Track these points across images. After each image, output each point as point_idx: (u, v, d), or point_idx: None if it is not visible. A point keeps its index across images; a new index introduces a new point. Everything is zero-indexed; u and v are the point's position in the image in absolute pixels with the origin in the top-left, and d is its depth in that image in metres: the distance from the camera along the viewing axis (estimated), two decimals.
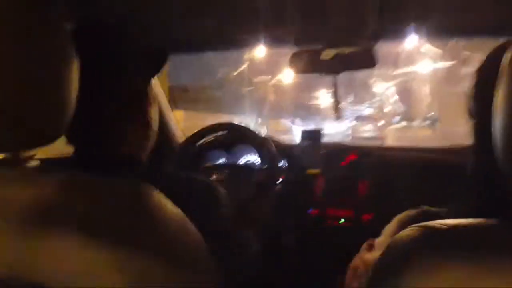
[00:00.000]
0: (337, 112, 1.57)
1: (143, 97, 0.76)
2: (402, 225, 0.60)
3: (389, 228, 0.73)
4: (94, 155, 0.71)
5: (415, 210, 0.68)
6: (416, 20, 1.09)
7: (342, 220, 1.64)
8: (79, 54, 0.53)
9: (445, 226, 0.43)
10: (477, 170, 0.63)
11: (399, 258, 0.45)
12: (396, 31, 1.20)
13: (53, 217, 0.46)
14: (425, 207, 0.67)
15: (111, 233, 0.47)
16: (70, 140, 0.71)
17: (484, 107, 0.59)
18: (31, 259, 0.45)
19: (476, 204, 0.59)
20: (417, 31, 1.16)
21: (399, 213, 0.75)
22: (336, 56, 1.24)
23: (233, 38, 1.23)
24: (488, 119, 0.44)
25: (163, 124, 1.79)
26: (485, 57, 0.63)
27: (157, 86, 1.72)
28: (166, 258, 0.51)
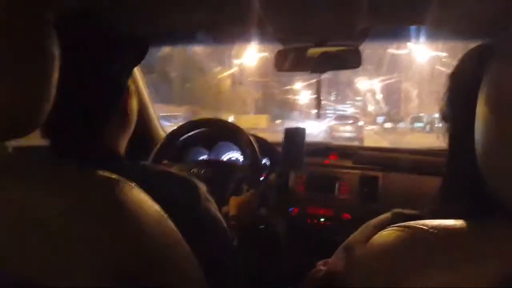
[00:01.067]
0: (319, 111, 1.57)
1: (123, 88, 0.75)
2: (377, 229, 0.60)
3: (363, 231, 0.74)
4: (71, 146, 0.69)
5: (388, 214, 0.69)
6: (404, 22, 1.10)
7: (322, 219, 1.65)
8: (60, 44, 0.52)
9: (423, 226, 0.43)
10: (451, 172, 0.64)
11: (380, 258, 0.45)
12: (383, 32, 1.21)
13: (30, 211, 0.45)
14: (397, 210, 0.67)
15: (88, 227, 0.47)
16: (45, 131, 0.69)
17: (458, 110, 0.60)
18: (15, 255, 0.44)
19: (451, 206, 0.60)
20: (404, 32, 1.18)
21: (378, 214, 0.75)
22: (321, 54, 1.25)
23: (218, 33, 1.22)
24: (462, 123, 0.45)
25: (145, 118, 1.77)
26: (458, 61, 0.64)
27: (140, 79, 1.69)
28: (142, 254, 0.50)
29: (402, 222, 0.47)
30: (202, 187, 0.80)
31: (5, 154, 0.52)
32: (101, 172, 0.53)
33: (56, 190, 0.48)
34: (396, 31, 1.19)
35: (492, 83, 0.40)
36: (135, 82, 1.62)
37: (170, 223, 0.59)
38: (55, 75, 0.51)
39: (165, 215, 0.59)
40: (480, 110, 0.41)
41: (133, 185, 0.54)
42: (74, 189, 0.49)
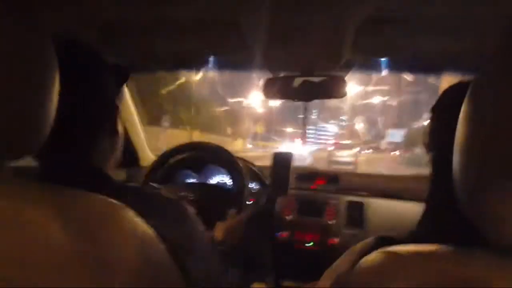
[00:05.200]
0: (304, 138, 1.60)
1: (111, 108, 0.78)
2: (361, 254, 0.62)
3: (348, 256, 0.75)
4: (61, 167, 0.70)
5: (372, 239, 0.70)
6: (388, 55, 1.15)
7: (309, 243, 1.66)
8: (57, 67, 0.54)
9: (407, 251, 0.45)
10: (433, 198, 0.66)
11: (365, 283, 0.46)
12: (367, 64, 1.25)
13: (18, 229, 0.46)
14: (381, 235, 0.69)
15: (79, 249, 0.47)
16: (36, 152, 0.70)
17: (440, 141, 0.63)
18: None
19: (434, 230, 0.62)
20: (389, 64, 1.22)
21: (364, 238, 0.77)
22: (307, 84, 1.28)
23: (207, 61, 1.25)
24: (444, 152, 0.47)
25: (133, 140, 1.77)
26: (439, 96, 0.68)
27: (129, 102, 1.71)
28: (133, 276, 0.50)
29: (386, 246, 0.49)
30: (191, 210, 0.81)
31: (1, 174, 0.53)
32: (92, 194, 0.54)
33: (47, 211, 0.48)
34: (380, 62, 1.24)
35: (467, 118, 0.42)
36: (124, 104, 1.64)
37: (161, 245, 0.60)
38: (54, 100, 0.53)
39: (156, 237, 0.59)
40: (457, 141, 0.44)
41: (124, 206, 0.55)
42: (65, 210, 0.49)
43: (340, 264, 0.77)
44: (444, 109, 0.64)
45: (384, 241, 0.66)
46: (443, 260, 0.43)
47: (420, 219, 0.68)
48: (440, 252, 0.45)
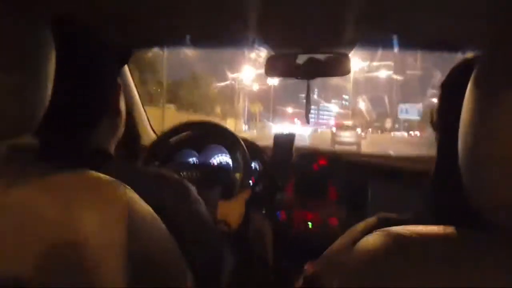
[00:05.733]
0: (308, 116, 1.59)
1: (111, 88, 0.76)
2: (362, 233, 0.62)
3: (349, 235, 0.75)
4: (63, 147, 0.69)
5: (374, 218, 0.70)
6: (394, 31, 1.12)
7: (310, 223, 1.66)
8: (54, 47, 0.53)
9: (408, 232, 0.45)
10: (439, 180, 0.65)
11: (364, 262, 0.46)
12: (371, 40, 1.23)
13: (24, 211, 0.46)
14: (383, 214, 0.69)
15: (81, 228, 0.47)
16: (37, 131, 0.70)
17: (448, 120, 0.61)
18: (10, 256, 0.45)
19: (436, 212, 0.61)
20: (393, 41, 1.19)
21: (365, 218, 0.76)
22: (310, 61, 1.26)
23: (210, 38, 1.23)
24: (452, 132, 0.46)
25: (135, 120, 1.77)
26: (448, 73, 0.66)
27: (130, 80, 1.69)
28: (134, 254, 0.51)
29: (387, 226, 0.49)
30: (193, 190, 0.80)
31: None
32: (93, 173, 0.54)
33: (49, 190, 0.49)
34: (384, 39, 1.21)
35: (473, 97, 0.41)
36: (125, 83, 1.62)
37: (162, 225, 0.60)
38: (51, 78, 0.53)
39: (157, 217, 0.59)
40: (462, 120, 0.43)
41: (125, 186, 0.55)
42: (67, 189, 0.50)
43: (341, 243, 0.77)
44: (453, 87, 0.62)
45: (386, 221, 0.65)
46: (443, 241, 0.43)
47: (423, 200, 0.68)
48: (441, 233, 0.44)
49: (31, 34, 0.49)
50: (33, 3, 0.50)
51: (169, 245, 0.62)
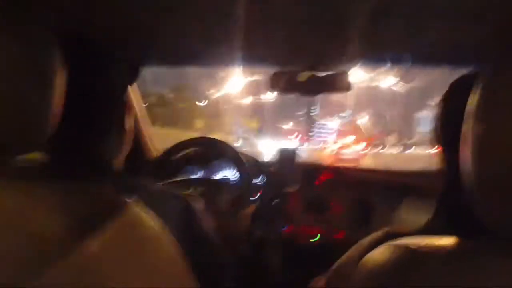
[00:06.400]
0: (307, 135, 1.60)
1: (120, 105, 0.78)
2: (369, 247, 0.62)
3: (356, 250, 0.75)
4: (70, 162, 0.70)
5: (380, 232, 0.70)
6: (395, 48, 1.14)
7: (315, 238, 1.66)
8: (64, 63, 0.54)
9: (415, 245, 0.45)
10: (443, 193, 0.66)
11: (371, 277, 0.47)
12: (373, 59, 1.25)
13: (32, 226, 0.46)
14: (388, 228, 0.69)
15: (89, 243, 0.47)
16: (45, 147, 0.71)
17: (449, 134, 0.63)
18: (17, 270, 0.44)
19: (441, 225, 0.62)
20: (395, 59, 1.21)
21: (370, 233, 0.77)
22: (312, 79, 1.28)
23: (210, 57, 1.25)
24: (453, 146, 0.47)
25: (140, 136, 1.78)
26: (448, 87, 0.67)
27: (137, 98, 1.72)
28: (143, 268, 0.51)
29: (394, 240, 0.49)
30: (198, 206, 0.81)
31: (9, 169, 0.53)
32: (101, 188, 0.54)
33: (56, 206, 0.49)
34: (386, 57, 1.23)
35: (473, 111, 0.43)
36: (131, 100, 1.64)
37: (170, 239, 0.61)
38: (61, 95, 0.54)
39: (165, 231, 0.60)
40: (463, 134, 0.44)
41: (133, 202, 0.56)
42: (74, 205, 0.50)
43: (348, 257, 0.77)
44: (451, 101, 0.64)
45: (393, 235, 0.66)
46: (450, 253, 0.43)
47: (430, 214, 0.68)
48: (448, 245, 0.44)
49: (41, 51, 0.51)
50: (44, 20, 0.51)
51: (176, 259, 0.62)
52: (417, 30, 0.96)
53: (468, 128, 0.43)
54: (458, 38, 0.99)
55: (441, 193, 0.66)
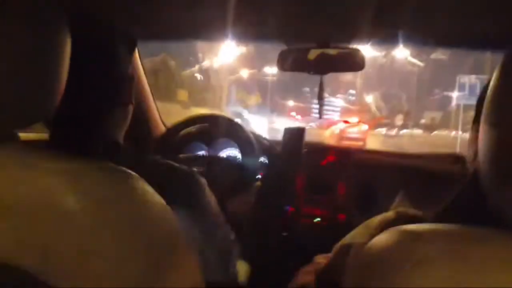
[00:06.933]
0: (321, 111, 1.58)
1: (124, 79, 0.77)
2: (379, 228, 0.61)
3: (366, 228, 0.74)
4: (74, 136, 0.70)
5: (391, 213, 0.69)
6: (409, 28, 1.11)
7: (318, 219, 1.67)
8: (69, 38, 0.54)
9: (423, 230, 0.44)
10: (468, 179, 0.64)
11: (378, 261, 0.45)
12: (386, 36, 1.22)
13: (38, 199, 0.46)
14: (401, 209, 0.67)
15: (92, 218, 0.47)
16: (48, 122, 0.70)
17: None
18: (17, 246, 0.44)
19: (455, 211, 0.61)
20: (409, 38, 1.18)
21: (374, 215, 0.76)
22: (323, 56, 1.25)
23: (221, 32, 1.23)
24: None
25: (145, 112, 1.78)
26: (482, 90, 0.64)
27: (141, 73, 1.70)
28: (146, 246, 0.51)
29: (405, 222, 0.48)
30: (204, 183, 0.81)
31: (13, 143, 0.53)
32: (105, 163, 0.54)
33: (59, 180, 0.49)
34: (399, 35, 1.20)
35: (493, 102, 0.41)
36: (136, 73, 1.63)
37: (174, 216, 0.60)
38: (65, 69, 0.53)
39: (169, 208, 0.59)
40: (482, 124, 0.42)
41: (138, 176, 0.55)
42: (77, 179, 0.50)
43: (355, 237, 0.76)
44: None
45: (404, 216, 0.64)
46: (461, 241, 0.42)
47: (444, 197, 0.66)
48: (459, 232, 0.43)
49: (45, 26, 0.50)
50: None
51: (180, 236, 0.62)
52: (431, 13, 0.93)
53: (486, 117, 0.42)
54: (476, 25, 0.96)
55: (467, 180, 0.64)
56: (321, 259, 0.88)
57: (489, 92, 0.42)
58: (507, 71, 0.41)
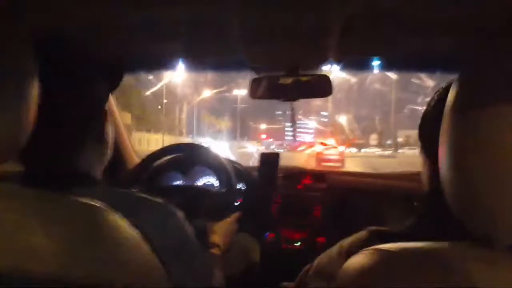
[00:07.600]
0: (294, 134, 1.61)
1: (99, 113, 0.76)
2: (353, 247, 0.62)
3: (339, 249, 0.75)
4: (47, 171, 0.68)
5: (364, 232, 0.70)
6: (374, 54, 1.16)
7: (298, 243, 1.66)
8: (38, 68, 0.52)
9: (396, 249, 0.45)
10: (427, 195, 0.67)
11: (353, 283, 0.46)
12: (352, 62, 1.26)
13: (8, 234, 0.45)
14: (374, 228, 0.69)
15: (64, 250, 0.47)
16: (20, 156, 0.69)
17: (431, 134, 0.63)
18: None
19: (425, 226, 0.62)
20: (375, 63, 1.23)
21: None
22: (293, 83, 1.29)
23: (194, 61, 1.25)
24: (434, 147, 0.47)
25: (119, 143, 1.75)
26: (438, 91, 0.68)
27: (114, 105, 1.69)
28: (118, 278, 0.50)
29: (378, 240, 0.49)
30: (179, 214, 0.80)
31: None
32: (78, 198, 0.53)
33: (30, 216, 0.48)
34: (366, 61, 1.25)
35: (451, 112, 0.43)
36: (109, 107, 1.62)
37: (148, 249, 0.60)
38: (35, 101, 0.51)
39: (144, 241, 0.59)
40: (442, 136, 0.45)
41: (111, 210, 0.55)
42: (49, 215, 0.49)
43: (331, 255, 0.76)
44: (437, 104, 0.64)
45: (377, 234, 0.66)
46: (433, 257, 0.43)
47: (415, 216, 0.68)
48: (432, 248, 0.44)
49: (15, 53, 0.48)
50: (18, 20, 0.49)
51: (155, 269, 0.61)
52: (398, 37, 0.98)
53: (445, 128, 0.43)
54: (438, 45, 1.01)
55: (425, 195, 0.67)
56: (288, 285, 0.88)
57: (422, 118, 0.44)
58: (439, 98, 0.43)
